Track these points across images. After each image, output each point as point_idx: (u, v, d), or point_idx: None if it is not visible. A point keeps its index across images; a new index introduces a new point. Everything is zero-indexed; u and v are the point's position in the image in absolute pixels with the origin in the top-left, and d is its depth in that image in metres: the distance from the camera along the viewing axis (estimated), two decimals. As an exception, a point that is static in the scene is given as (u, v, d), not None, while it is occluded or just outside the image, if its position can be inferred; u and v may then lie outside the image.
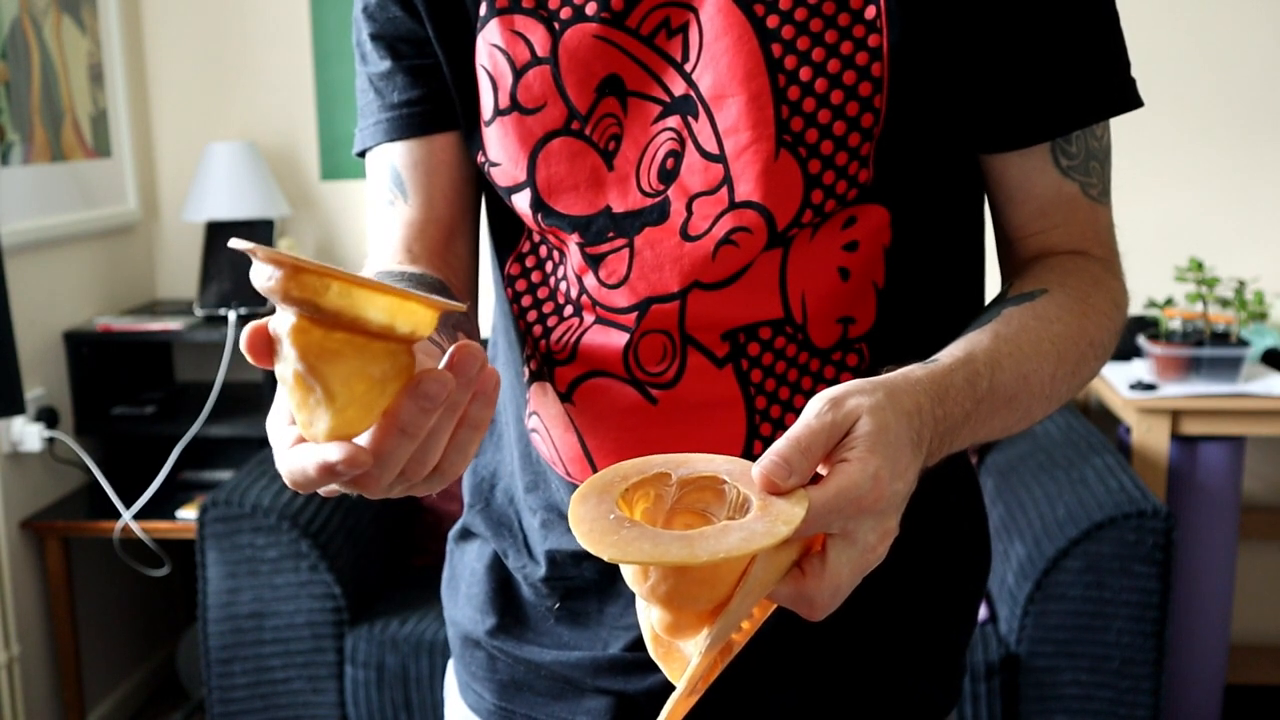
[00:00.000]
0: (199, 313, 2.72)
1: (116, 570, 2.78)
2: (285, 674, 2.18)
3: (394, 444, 0.54)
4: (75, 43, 2.66)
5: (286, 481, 0.56)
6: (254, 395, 2.79)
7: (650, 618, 0.62)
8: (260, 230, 2.77)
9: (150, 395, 2.79)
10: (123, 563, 2.74)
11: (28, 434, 2.45)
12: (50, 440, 2.53)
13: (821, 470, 0.62)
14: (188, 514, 2.49)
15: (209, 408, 2.59)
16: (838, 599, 0.61)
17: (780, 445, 0.60)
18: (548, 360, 0.87)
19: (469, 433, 0.57)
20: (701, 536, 0.57)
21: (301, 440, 0.55)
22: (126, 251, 2.92)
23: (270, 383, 2.60)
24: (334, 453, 0.53)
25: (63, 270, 2.64)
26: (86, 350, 2.64)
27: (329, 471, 0.53)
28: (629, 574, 0.60)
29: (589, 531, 0.58)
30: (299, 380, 0.53)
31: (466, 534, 1.00)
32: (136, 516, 2.50)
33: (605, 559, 0.56)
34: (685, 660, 0.63)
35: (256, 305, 2.69)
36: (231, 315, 2.64)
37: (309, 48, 2.93)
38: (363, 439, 0.54)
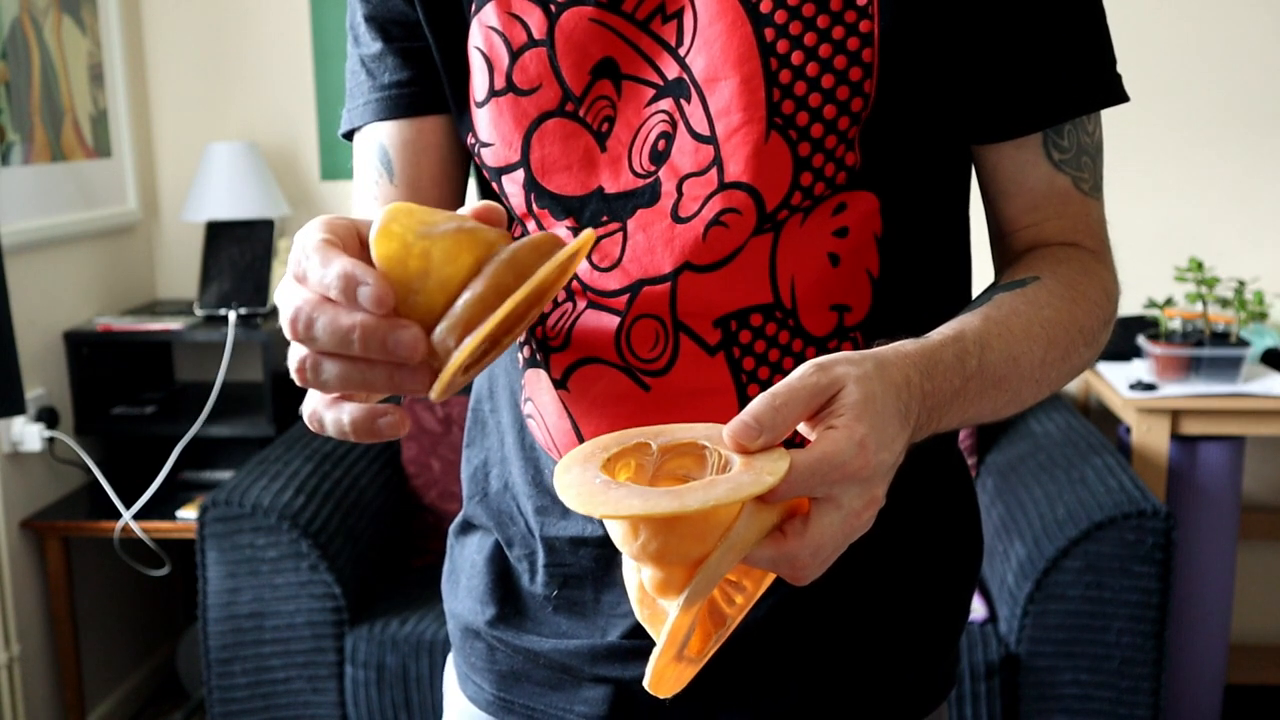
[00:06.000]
0: (199, 313, 2.72)
1: (116, 570, 2.78)
2: (285, 674, 2.18)
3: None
4: (75, 43, 2.67)
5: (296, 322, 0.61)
6: (254, 395, 2.79)
7: (642, 577, 0.63)
8: (260, 230, 2.78)
9: (150, 395, 2.80)
10: (123, 563, 2.74)
11: (28, 434, 2.45)
12: (50, 440, 2.53)
13: (810, 436, 0.62)
14: (188, 514, 2.49)
15: (209, 408, 2.59)
16: (818, 559, 0.61)
17: (754, 404, 0.61)
18: (543, 346, 0.87)
19: None
20: (689, 489, 0.58)
21: None
22: (126, 251, 2.92)
23: (270, 384, 2.61)
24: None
25: (63, 270, 2.64)
26: (86, 350, 2.65)
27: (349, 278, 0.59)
28: (618, 535, 0.61)
29: (578, 495, 0.58)
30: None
31: (467, 526, 1.00)
32: (136, 516, 2.50)
33: (597, 517, 0.57)
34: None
35: (257, 305, 2.70)
36: (231, 315, 2.64)
37: (309, 48, 2.93)
38: None
